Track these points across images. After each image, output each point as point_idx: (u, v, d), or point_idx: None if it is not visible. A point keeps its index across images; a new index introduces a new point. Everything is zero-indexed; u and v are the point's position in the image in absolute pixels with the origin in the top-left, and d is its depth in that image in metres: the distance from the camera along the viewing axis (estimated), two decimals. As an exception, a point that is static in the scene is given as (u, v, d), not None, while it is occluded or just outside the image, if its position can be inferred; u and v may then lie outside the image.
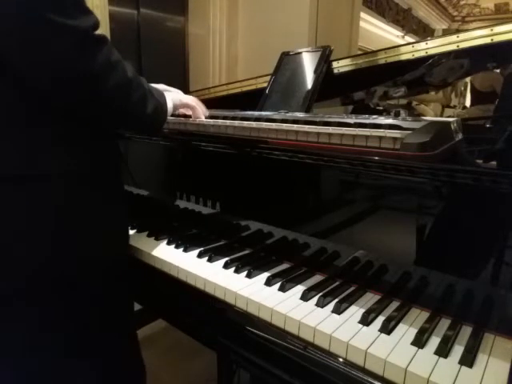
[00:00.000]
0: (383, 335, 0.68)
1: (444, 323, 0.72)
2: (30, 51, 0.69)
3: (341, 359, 0.66)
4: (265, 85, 1.31)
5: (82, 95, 0.76)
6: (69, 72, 0.72)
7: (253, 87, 1.40)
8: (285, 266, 0.95)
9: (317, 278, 0.89)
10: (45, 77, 0.72)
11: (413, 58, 1.08)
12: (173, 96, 1.05)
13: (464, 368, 0.61)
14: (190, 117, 1.16)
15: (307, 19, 1.94)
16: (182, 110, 1.16)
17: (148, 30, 2.31)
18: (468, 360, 0.62)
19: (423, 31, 6.65)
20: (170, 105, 1.00)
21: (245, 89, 1.45)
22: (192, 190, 1.14)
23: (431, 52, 1.05)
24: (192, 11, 2.39)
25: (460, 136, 0.79)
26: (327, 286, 0.84)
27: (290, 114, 1.05)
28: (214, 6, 2.19)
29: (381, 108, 1.37)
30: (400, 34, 5.97)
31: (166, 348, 1.69)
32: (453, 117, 0.97)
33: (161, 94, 0.97)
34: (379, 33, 5.41)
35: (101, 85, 0.76)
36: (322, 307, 0.76)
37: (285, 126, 0.93)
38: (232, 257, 0.97)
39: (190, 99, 1.13)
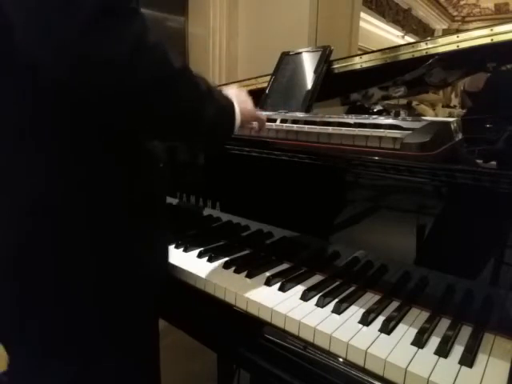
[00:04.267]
0: (383, 335, 0.68)
1: (444, 323, 0.72)
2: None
3: (341, 359, 0.66)
4: (265, 85, 1.30)
5: (106, 88, 0.57)
6: (82, 54, 0.53)
7: (253, 87, 1.40)
8: (285, 265, 0.95)
9: (317, 278, 0.89)
10: (47, 55, 0.54)
11: (413, 57, 1.08)
12: (239, 104, 0.80)
13: (464, 368, 0.61)
14: None
15: (307, 19, 1.94)
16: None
17: (148, 30, 2.31)
18: (468, 360, 0.62)
19: (423, 31, 6.65)
20: (237, 115, 0.79)
21: (245, 89, 1.44)
22: (192, 190, 1.14)
23: (431, 52, 1.05)
24: (192, 11, 2.39)
25: (460, 136, 0.79)
26: (327, 286, 0.84)
27: (289, 114, 1.05)
28: (213, 5, 2.19)
29: (380, 108, 1.37)
30: (400, 33, 5.96)
31: (166, 348, 1.69)
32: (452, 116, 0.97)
33: (225, 97, 0.77)
34: (379, 33, 5.41)
35: (129, 74, 0.56)
36: (322, 307, 0.76)
37: (285, 126, 0.93)
38: (232, 257, 0.97)
39: (255, 110, 0.89)
